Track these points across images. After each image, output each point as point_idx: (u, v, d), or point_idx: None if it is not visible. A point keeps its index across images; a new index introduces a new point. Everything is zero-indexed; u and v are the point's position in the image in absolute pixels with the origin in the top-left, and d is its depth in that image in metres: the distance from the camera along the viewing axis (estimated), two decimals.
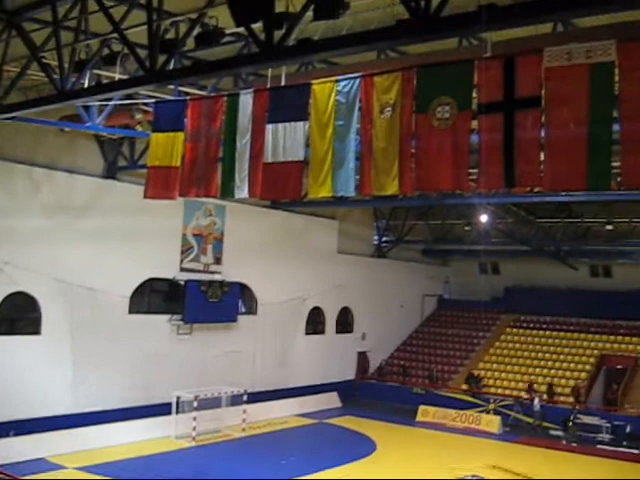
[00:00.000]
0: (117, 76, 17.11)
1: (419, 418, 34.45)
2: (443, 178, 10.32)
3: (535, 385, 35.96)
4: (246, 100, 12.95)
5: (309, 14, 11.62)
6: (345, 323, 40.05)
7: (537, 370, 37.89)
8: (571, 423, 31.65)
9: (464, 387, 37.45)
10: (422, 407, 34.99)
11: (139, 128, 22.54)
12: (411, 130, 10.57)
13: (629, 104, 8.78)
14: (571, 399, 34.54)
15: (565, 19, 14.32)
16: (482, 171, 9.77)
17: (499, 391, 36.59)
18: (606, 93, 8.94)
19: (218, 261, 32.04)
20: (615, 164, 9.08)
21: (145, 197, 14.78)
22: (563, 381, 36.47)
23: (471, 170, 10.27)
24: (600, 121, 8.88)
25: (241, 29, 13.38)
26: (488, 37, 12.56)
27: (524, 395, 35.15)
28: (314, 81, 12.07)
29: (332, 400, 36.41)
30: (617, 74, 8.95)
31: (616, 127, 9.01)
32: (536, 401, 33.75)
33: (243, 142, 12.84)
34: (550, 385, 35.59)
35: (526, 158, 9.41)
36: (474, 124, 10.17)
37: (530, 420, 33.54)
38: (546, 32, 14.53)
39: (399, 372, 40.69)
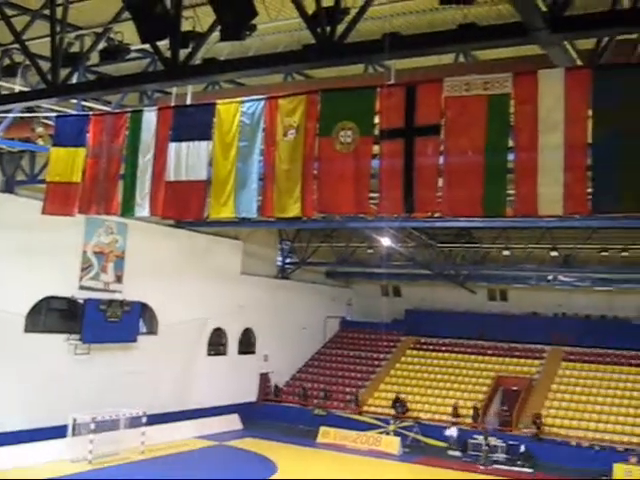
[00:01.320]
0: (17, 87, 16.65)
1: (320, 439, 34.50)
2: (345, 201, 10.44)
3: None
4: (150, 117, 12.79)
5: (216, 34, 11.63)
6: (248, 344, 39.81)
7: (436, 392, 38.53)
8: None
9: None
10: (323, 428, 35.06)
11: (40, 142, 21.89)
12: (314, 153, 10.66)
13: (523, 134, 9.13)
14: (468, 420, 35.32)
15: (465, 51, 14.79)
16: (382, 196, 9.95)
17: (406, 413, 36.97)
18: (502, 123, 9.28)
19: (119, 280, 31.37)
20: (511, 192, 9.40)
21: (43, 213, 14.38)
22: (461, 402, 37.25)
23: (374, 194, 10.44)
24: (496, 150, 9.20)
25: (147, 45, 13.27)
26: (392, 65, 12.89)
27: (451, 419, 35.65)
28: (219, 101, 12.05)
29: (233, 422, 36.08)
30: (512, 106, 9.29)
31: (511, 156, 9.36)
32: (453, 429, 34.28)
33: (145, 160, 12.66)
34: (455, 407, 36.20)
35: (425, 184, 9.63)
36: (376, 149, 10.36)
37: (436, 442, 34.08)
38: (448, 62, 15.00)
39: (300, 393, 40.68)
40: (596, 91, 8.74)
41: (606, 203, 8.76)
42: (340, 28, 10.95)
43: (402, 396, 37.55)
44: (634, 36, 11.90)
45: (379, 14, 14.87)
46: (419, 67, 13.72)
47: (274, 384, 41.33)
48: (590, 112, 8.84)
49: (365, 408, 38.12)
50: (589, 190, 8.83)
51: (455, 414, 35.81)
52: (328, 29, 10.80)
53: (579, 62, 11.52)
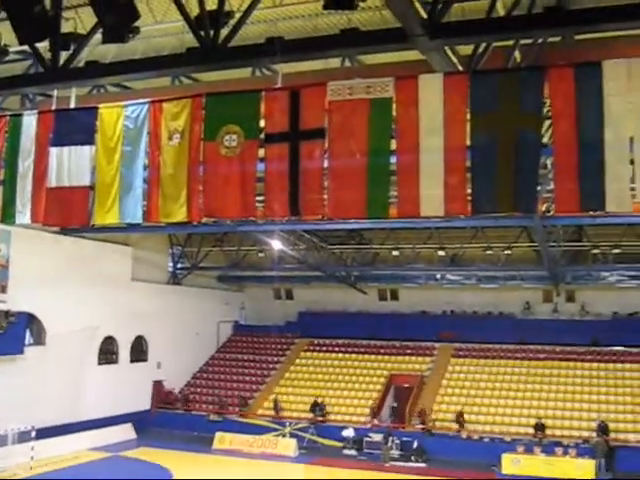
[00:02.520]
0: None
1: (216, 445, 34.23)
2: (231, 205, 10.40)
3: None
4: (30, 121, 12.35)
5: (98, 36, 11.38)
6: (139, 352, 39.07)
7: (330, 392, 38.86)
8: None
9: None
10: (219, 434, 34.80)
11: None
12: (199, 157, 10.56)
13: (405, 137, 9.33)
14: (363, 419, 35.83)
15: (350, 55, 14.97)
16: (268, 199, 9.98)
17: (294, 414, 37.17)
18: (384, 127, 9.46)
19: (3, 290, 30.14)
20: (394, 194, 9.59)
21: None
22: (355, 401, 37.73)
23: (261, 198, 10.44)
24: (379, 153, 9.38)
25: (27, 47, 12.84)
26: (279, 69, 12.93)
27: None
28: (101, 105, 11.78)
29: (127, 432, 35.32)
30: (394, 109, 9.49)
31: (394, 159, 9.54)
32: (350, 429, 34.59)
33: (25, 165, 12.22)
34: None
35: (311, 187, 9.71)
36: (262, 153, 10.37)
37: (332, 442, 34.39)
38: (335, 67, 15.16)
39: (195, 400, 40.23)
40: (473, 95, 9.04)
41: (485, 204, 9.06)
42: (225, 32, 10.94)
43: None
44: (510, 43, 12.31)
45: (264, 18, 14.95)
46: (307, 71, 13.80)
47: (169, 391, 40.70)
48: (468, 115, 9.12)
49: (261, 412, 38.08)
50: (469, 191, 9.12)
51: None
52: (212, 32, 10.77)
53: (460, 67, 11.88)
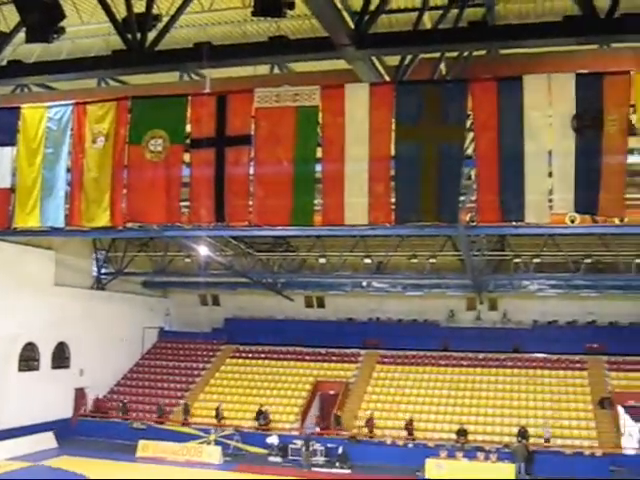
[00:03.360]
0: None
1: (139, 453, 33.66)
2: (155, 211, 10.29)
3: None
4: None
5: (22, 35, 11.12)
6: (62, 358, 38.16)
7: (256, 399, 38.70)
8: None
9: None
10: (142, 442, 34.25)
11: None
12: (124, 161, 10.42)
13: (331, 146, 9.40)
14: (288, 426, 35.82)
15: (279, 62, 14.99)
16: (193, 205, 9.91)
17: (221, 421, 36.85)
18: (310, 135, 9.51)
19: None
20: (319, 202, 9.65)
21: None
22: (281, 408, 37.68)
23: (186, 203, 10.35)
24: (305, 161, 9.42)
25: None
26: (208, 74, 12.88)
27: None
28: (24, 105, 11.50)
29: (47, 440, 34.41)
30: (321, 118, 9.55)
31: (320, 167, 9.60)
32: (274, 436, 34.45)
33: None
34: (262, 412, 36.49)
35: (236, 194, 9.69)
36: (188, 158, 10.30)
37: (257, 450, 34.24)
38: (264, 74, 15.15)
39: (118, 407, 39.55)
40: (398, 106, 9.17)
41: (408, 213, 9.20)
42: (152, 35, 10.85)
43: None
44: (436, 55, 12.53)
45: (193, 23, 14.86)
46: (236, 77, 13.78)
47: (92, 398, 39.90)
48: (394, 125, 9.25)
49: (185, 419, 37.66)
50: (393, 201, 9.23)
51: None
52: (139, 35, 10.67)
53: (387, 78, 12.03)
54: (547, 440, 32.59)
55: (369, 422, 35.00)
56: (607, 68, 9.33)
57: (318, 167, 9.52)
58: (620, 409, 35.62)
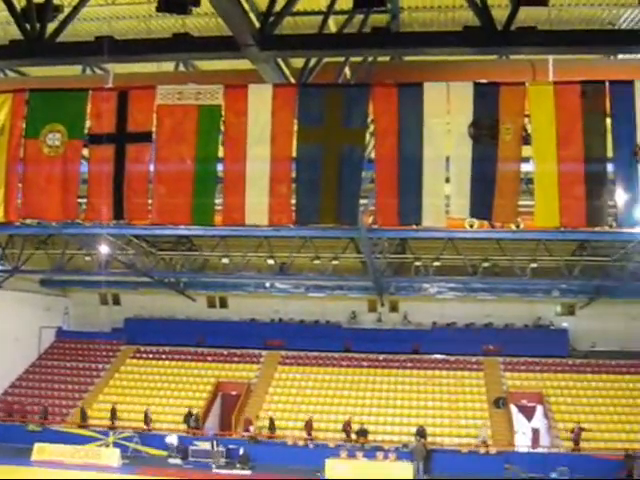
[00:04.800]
0: None
1: (35, 457, 32.49)
2: (51, 207, 10.01)
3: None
4: None
5: None
6: None
7: (157, 400, 38.18)
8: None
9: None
10: (38, 445, 33.17)
11: None
12: (19, 155, 10.10)
13: (232, 146, 9.37)
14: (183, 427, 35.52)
15: (183, 60, 14.84)
16: (91, 202, 9.70)
17: (118, 423, 36.16)
18: (212, 134, 9.45)
19: None
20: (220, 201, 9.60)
21: None
22: (182, 409, 37.23)
23: (84, 200, 10.12)
24: (206, 160, 9.36)
25: None
26: (111, 68, 12.63)
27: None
28: None
29: None
30: (223, 117, 9.51)
31: (222, 166, 9.56)
32: (173, 436, 33.97)
33: None
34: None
35: (136, 191, 9.54)
36: (87, 154, 10.07)
37: (157, 452, 33.71)
38: (169, 70, 14.98)
39: (13, 410, 38.24)
40: (301, 108, 9.22)
41: (309, 215, 9.27)
42: (53, 26, 10.57)
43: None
44: (341, 59, 12.65)
45: (97, 16, 14.55)
46: (140, 73, 13.56)
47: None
48: (295, 127, 9.30)
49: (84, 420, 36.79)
50: (294, 202, 9.29)
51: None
52: (38, 26, 10.38)
53: (292, 80, 12.07)
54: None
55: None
56: (505, 79, 9.64)
57: (220, 166, 9.49)
58: (514, 408, 36.81)
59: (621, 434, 33.79)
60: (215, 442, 33.12)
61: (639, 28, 13.51)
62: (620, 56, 13.16)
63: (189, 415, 36.29)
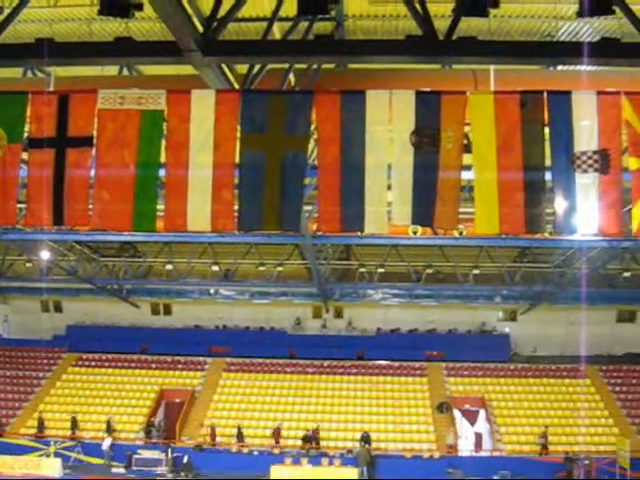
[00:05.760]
0: None
1: None
2: None
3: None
4: None
5: None
6: None
7: (99, 409, 37.55)
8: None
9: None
10: None
11: None
12: None
13: (175, 151, 9.29)
14: (132, 435, 35.02)
15: (127, 64, 14.70)
16: (30, 207, 9.51)
17: (60, 433, 35.44)
18: (155, 139, 9.36)
19: None
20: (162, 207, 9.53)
21: None
22: (125, 417, 36.76)
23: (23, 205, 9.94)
24: (148, 165, 9.27)
25: None
26: (52, 71, 12.44)
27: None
28: None
29: None
30: (166, 123, 9.44)
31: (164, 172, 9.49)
32: (107, 441, 33.47)
33: None
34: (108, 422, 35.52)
35: (76, 197, 9.39)
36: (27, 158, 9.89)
37: (100, 461, 33.17)
38: (113, 74, 14.81)
39: None
40: (244, 114, 9.21)
41: (251, 221, 9.25)
42: None
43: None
44: (286, 65, 12.67)
45: (39, 18, 14.33)
46: (83, 76, 13.37)
47: None
48: (239, 133, 9.28)
49: (23, 430, 35.98)
50: (237, 208, 9.26)
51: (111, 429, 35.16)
52: None
53: (237, 86, 12.04)
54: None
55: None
56: (448, 88, 9.77)
57: (162, 172, 9.41)
58: (457, 413, 37.22)
59: (561, 437, 34.44)
60: (170, 450, 32.71)
61: (577, 40, 13.84)
62: (559, 67, 13.48)
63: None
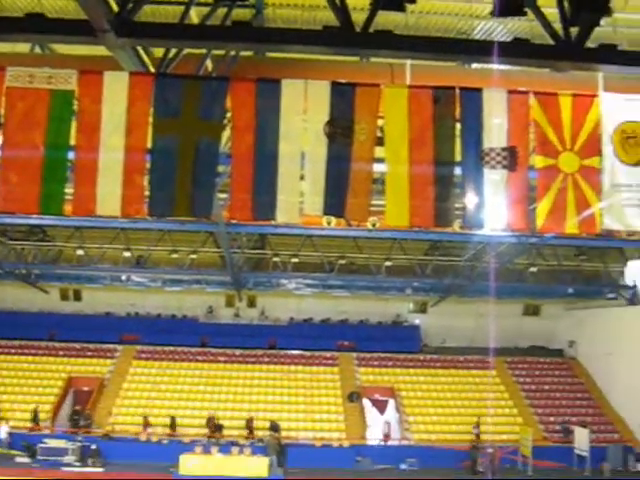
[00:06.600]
0: None
1: None
2: None
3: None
4: None
5: None
6: None
7: (4, 397, 36.49)
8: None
9: None
10: None
11: None
12: None
13: (86, 134, 9.06)
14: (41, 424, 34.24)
15: (39, 42, 14.26)
16: None
17: None
18: (64, 120, 9.09)
19: None
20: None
21: None
22: (32, 406, 35.78)
23: None
24: (56, 147, 9.01)
25: None
26: None
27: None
28: None
29: None
30: (77, 104, 9.21)
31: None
32: (3, 429, 32.56)
33: None
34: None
35: None
36: None
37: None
38: (24, 52, 14.37)
39: None
40: (157, 98, 9.05)
41: (162, 207, 9.11)
42: None
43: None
44: (203, 51, 12.53)
45: None
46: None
47: None
48: (151, 118, 9.13)
49: None
50: (148, 193, 9.13)
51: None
52: None
53: (153, 69, 11.84)
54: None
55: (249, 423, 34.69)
56: (365, 81, 9.84)
57: (71, 154, 9.18)
58: (367, 402, 37.75)
59: (467, 426, 35.34)
60: (78, 440, 32.02)
61: (491, 39, 14.15)
62: (474, 65, 13.76)
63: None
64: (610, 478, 30.94)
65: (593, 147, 9.56)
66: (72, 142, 9.20)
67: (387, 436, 36.09)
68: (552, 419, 36.94)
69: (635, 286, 35.72)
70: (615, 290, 37.15)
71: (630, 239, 26.70)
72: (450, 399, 37.84)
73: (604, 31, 11.56)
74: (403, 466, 31.91)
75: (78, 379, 38.81)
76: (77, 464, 31.12)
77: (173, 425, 34.51)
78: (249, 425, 34.64)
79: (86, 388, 38.08)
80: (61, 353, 40.78)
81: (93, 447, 31.80)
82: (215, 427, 33.93)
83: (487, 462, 31.42)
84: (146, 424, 34.29)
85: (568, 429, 34.26)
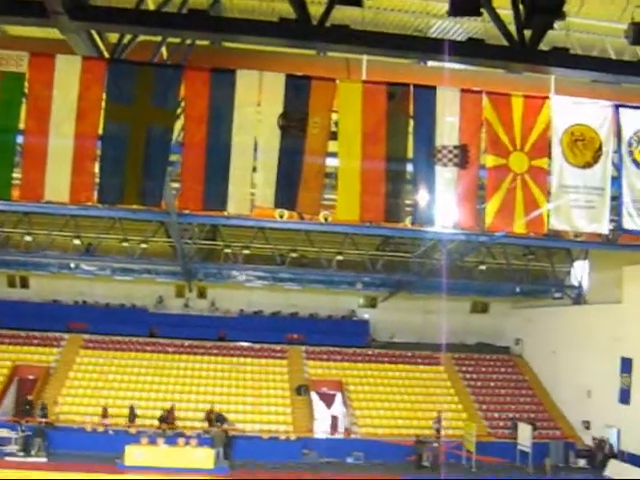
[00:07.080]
0: None
1: None
2: None
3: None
4: None
5: None
6: None
7: None
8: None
9: None
10: None
11: None
12: None
13: (35, 118, 8.92)
14: None
15: None
16: None
17: None
18: (14, 103, 8.96)
19: None
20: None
21: None
22: None
23: None
24: (5, 131, 8.87)
25: None
26: None
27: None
28: None
29: None
30: (27, 87, 9.06)
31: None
32: None
33: None
34: None
35: None
36: None
37: None
38: None
39: None
40: (110, 84, 8.97)
41: (111, 194, 9.05)
42: None
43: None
44: (158, 38, 12.41)
45: None
46: None
47: None
48: (104, 104, 9.03)
49: None
50: (98, 180, 9.02)
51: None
52: None
53: (107, 55, 11.67)
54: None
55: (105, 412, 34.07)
56: (321, 75, 9.84)
57: (20, 138, 9.03)
58: (315, 396, 37.85)
59: (413, 421, 35.70)
60: (20, 428, 31.43)
61: (447, 38, 14.27)
62: (430, 63, 13.85)
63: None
64: (550, 478, 31.45)
65: (543, 148, 9.73)
66: (22, 126, 9.06)
67: (334, 429, 36.27)
68: (497, 415, 37.46)
69: (580, 286, 36.51)
70: (561, 290, 37.83)
71: (576, 240, 27.20)
72: (397, 394, 38.10)
73: (557, 35, 11.79)
74: (349, 460, 32.09)
75: (23, 367, 38.08)
76: (20, 454, 30.60)
77: (132, 415, 34.07)
78: (209, 417, 34.38)
79: (31, 377, 37.42)
80: (6, 341, 39.91)
81: (37, 437, 31.29)
82: (161, 418, 33.66)
83: (432, 457, 31.77)
84: (104, 415, 33.82)
85: (517, 425, 34.79)
